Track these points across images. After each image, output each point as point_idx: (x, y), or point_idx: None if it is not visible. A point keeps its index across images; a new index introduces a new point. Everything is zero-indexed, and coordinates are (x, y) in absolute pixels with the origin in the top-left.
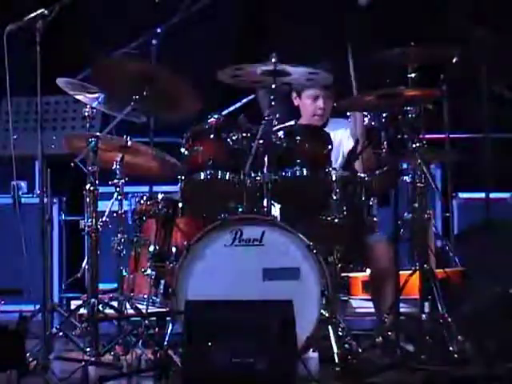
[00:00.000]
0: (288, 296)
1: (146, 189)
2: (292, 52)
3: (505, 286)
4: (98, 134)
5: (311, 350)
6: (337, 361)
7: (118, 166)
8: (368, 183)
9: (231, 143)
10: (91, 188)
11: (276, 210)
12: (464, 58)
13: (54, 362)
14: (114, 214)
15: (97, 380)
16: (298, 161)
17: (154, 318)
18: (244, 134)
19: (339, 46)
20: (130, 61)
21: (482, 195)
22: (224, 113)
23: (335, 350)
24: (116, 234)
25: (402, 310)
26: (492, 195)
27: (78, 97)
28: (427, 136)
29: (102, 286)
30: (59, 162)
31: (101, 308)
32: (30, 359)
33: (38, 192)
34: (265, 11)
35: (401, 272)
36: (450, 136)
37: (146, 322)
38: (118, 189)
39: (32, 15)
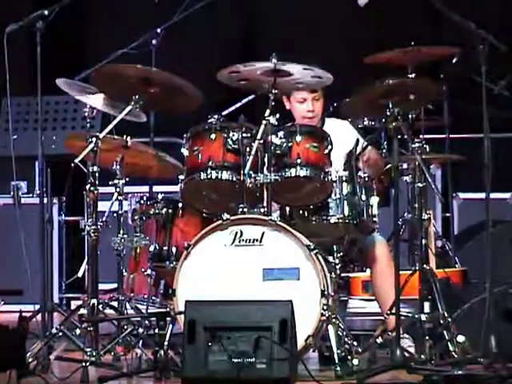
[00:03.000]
0: (288, 296)
1: (146, 189)
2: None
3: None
4: (98, 133)
5: (311, 350)
6: (337, 361)
7: (117, 166)
8: (368, 183)
9: (231, 143)
10: (91, 188)
11: (276, 210)
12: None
13: (54, 362)
14: (114, 214)
15: (97, 380)
16: (298, 161)
17: (154, 318)
18: (244, 134)
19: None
20: (127, 66)
21: (482, 195)
22: (224, 113)
23: (335, 350)
24: (116, 234)
25: (402, 310)
26: (492, 195)
27: (77, 97)
28: (427, 136)
29: (102, 286)
30: (59, 162)
31: (101, 308)
32: (30, 359)
33: (38, 192)
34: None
35: (401, 272)
36: (450, 136)
37: (146, 322)
38: (117, 189)
39: (32, 15)
